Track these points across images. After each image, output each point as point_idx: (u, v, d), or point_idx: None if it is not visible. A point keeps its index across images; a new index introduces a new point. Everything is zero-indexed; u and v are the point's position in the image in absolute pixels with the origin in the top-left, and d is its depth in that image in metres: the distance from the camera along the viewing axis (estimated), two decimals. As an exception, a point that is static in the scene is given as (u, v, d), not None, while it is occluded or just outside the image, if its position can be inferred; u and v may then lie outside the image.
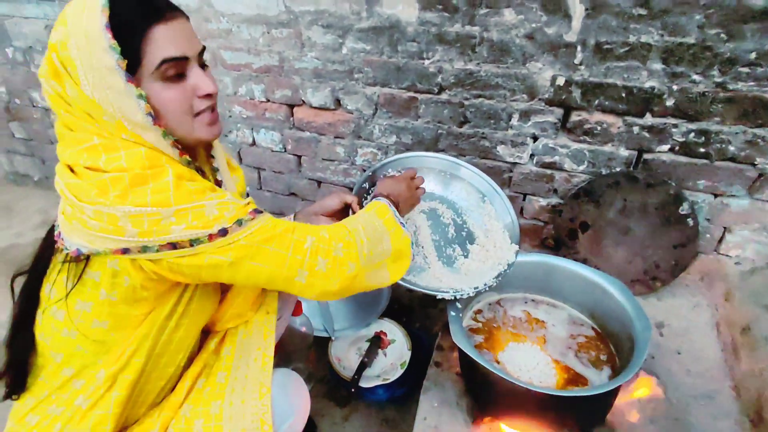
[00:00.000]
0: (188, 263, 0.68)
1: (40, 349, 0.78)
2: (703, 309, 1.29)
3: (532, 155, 1.36)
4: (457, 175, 1.25)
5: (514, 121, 1.32)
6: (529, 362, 1.02)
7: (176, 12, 0.69)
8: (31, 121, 2.26)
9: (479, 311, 1.17)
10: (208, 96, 0.73)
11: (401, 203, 0.99)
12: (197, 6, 1.53)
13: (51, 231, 0.78)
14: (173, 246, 0.66)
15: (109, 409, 0.78)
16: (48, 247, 0.77)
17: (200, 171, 0.81)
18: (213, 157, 0.87)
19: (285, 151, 1.72)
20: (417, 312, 1.66)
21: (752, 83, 1.06)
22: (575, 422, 0.94)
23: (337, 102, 1.52)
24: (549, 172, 1.37)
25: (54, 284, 0.72)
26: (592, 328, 1.10)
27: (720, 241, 1.29)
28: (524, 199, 1.45)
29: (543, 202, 1.43)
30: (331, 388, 1.44)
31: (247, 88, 1.63)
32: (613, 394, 0.94)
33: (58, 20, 0.65)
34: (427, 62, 1.33)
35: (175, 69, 0.69)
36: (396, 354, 1.38)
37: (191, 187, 0.69)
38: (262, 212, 0.74)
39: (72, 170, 0.69)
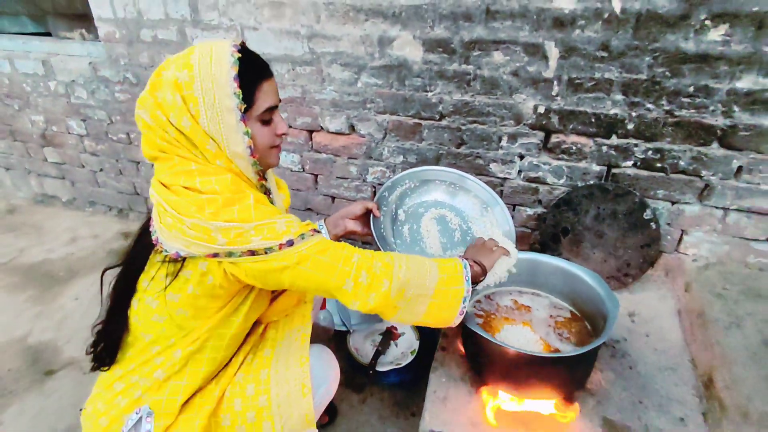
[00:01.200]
0: (260, 267, 0.85)
1: (132, 329, 0.96)
2: (668, 299, 1.51)
3: (519, 171, 1.60)
4: (464, 187, 1.45)
5: (504, 143, 1.57)
6: (521, 340, 1.22)
7: (271, 70, 0.91)
8: (65, 146, 2.48)
9: (478, 301, 1.37)
10: (284, 134, 0.96)
11: (488, 264, 1.12)
12: (231, 47, 1.78)
13: (141, 236, 0.96)
14: (252, 253, 0.83)
15: (182, 380, 0.96)
16: (142, 249, 0.94)
17: (266, 192, 1.02)
18: (266, 179, 1.03)
19: (303, 170, 1.95)
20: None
21: (693, 111, 1.31)
22: (559, 386, 1.14)
23: (351, 128, 1.76)
24: (534, 185, 1.61)
25: (152, 279, 0.90)
26: (571, 312, 1.31)
27: (679, 241, 1.53)
28: (514, 210, 1.68)
29: (530, 211, 1.66)
30: (349, 378, 1.62)
31: (272, 116, 1.87)
32: (590, 359, 1.14)
33: (182, 64, 0.82)
34: (429, 94, 1.58)
35: (270, 114, 0.90)
36: (406, 344, 1.58)
37: (266, 209, 0.87)
38: (319, 232, 0.91)
39: (167, 187, 0.86)
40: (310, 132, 1.84)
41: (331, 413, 1.48)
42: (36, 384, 1.65)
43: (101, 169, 2.46)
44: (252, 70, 0.85)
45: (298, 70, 1.72)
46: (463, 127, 1.59)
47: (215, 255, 0.84)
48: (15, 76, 2.33)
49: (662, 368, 1.29)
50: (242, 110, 0.84)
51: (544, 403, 1.17)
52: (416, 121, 1.65)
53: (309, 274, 0.87)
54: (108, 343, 0.98)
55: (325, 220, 1.28)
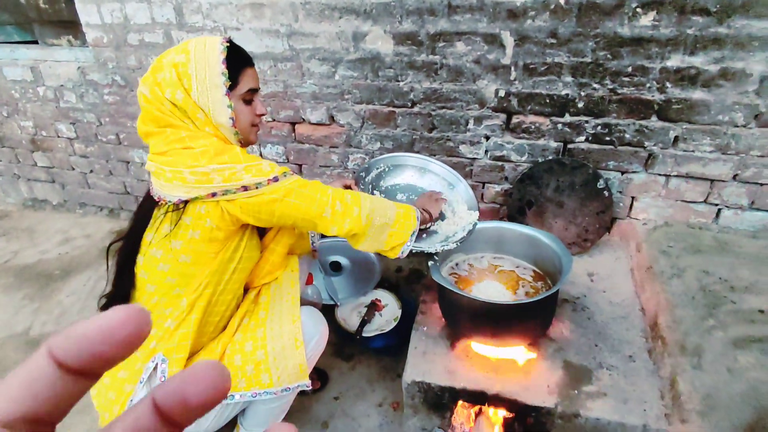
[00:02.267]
0: (254, 201, 1.01)
1: (138, 285, 1.09)
2: (622, 260, 1.67)
3: (486, 151, 1.76)
4: (430, 170, 1.61)
5: (471, 126, 1.72)
6: (491, 292, 1.37)
7: (253, 62, 1.09)
8: (55, 150, 2.56)
9: (455, 269, 1.52)
10: (262, 115, 1.12)
11: (433, 212, 1.32)
12: (215, 47, 1.90)
13: (143, 203, 1.11)
14: (245, 188, 0.99)
15: (189, 328, 1.09)
16: (145, 211, 1.08)
17: None
18: None
19: (288, 161, 2.08)
20: (403, 287, 2.00)
21: (633, 88, 1.48)
22: (524, 333, 1.29)
23: (331, 118, 1.90)
24: (500, 163, 1.76)
25: (156, 231, 1.04)
26: (534, 271, 1.47)
27: (630, 207, 1.70)
28: (483, 187, 1.84)
29: (497, 188, 1.82)
30: (338, 348, 1.75)
31: (256, 111, 2.00)
32: (550, 306, 1.29)
33: (180, 49, 0.99)
34: (401, 83, 1.73)
35: (251, 96, 1.07)
36: (389, 313, 1.71)
37: (251, 155, 1.03)
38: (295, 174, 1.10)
39: (163, 155, 1.02)
40: (293, 124, 1.97)
41: (322, 379, 1.61)
42: (40, 371, 1.73)
43: (91, 171, 2.55)
44: (237, 57, 1.03)
45: (279, 66, 1.85)
46: (434, 113, 1.74)
47: (213, 195, 0.98)
48: (3, 83, 2.40)
49: (616, 317, 1.45)
50: (228, 87, 1.00)
51: (511, 350, 1.32)
52: (390, 109, 1.79)
53: (295, 204, 1.05)
54: (118, 301, 1.10)
55: None
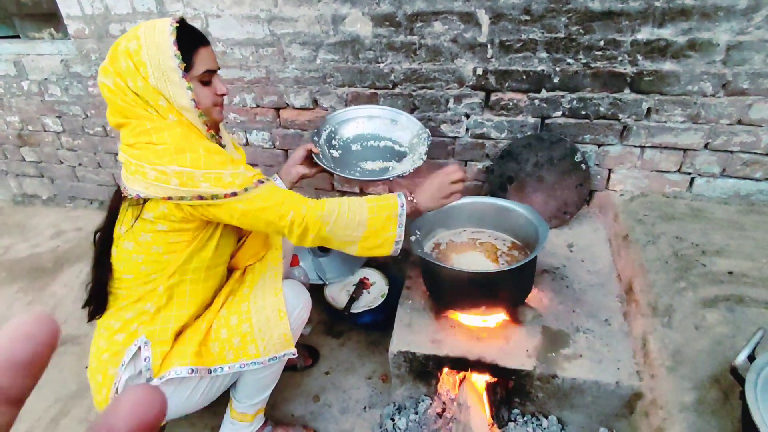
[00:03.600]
0: (211, 210, 1.02)
1: (116, 274, 1.11)
2: (601, 231, 1.72)
3: (467, 129, 1.79)
4: (374, 115, 1.70)
5: (451, 105, 1.75)
6: (472, 263, 1.42)
7: (208, 40, 1.08)
8: (42, 144, 2.57)
9: (437, 244, 1.56)
10: (223, 95, 1.11)
11: (424, 207, 1.20)
12: (197, 34, 1.92)
13: (115, 194, 1.11)
14: (201, 197, 0.99)
15: (171, 311, 1.11)
16: (114, 208, 1.10)
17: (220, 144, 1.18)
18: (220, 136, 1.20)
19: (274, 147, 2.10)
20: (391, 265, 2.04)
21: (606, 62, 1.52)
22: (503, 301, 1.34)
23: (315, 102, 1.92)
24: (480, 141, 1.80)
25: (123, 223, 1.06)
26: (512, 242, 1.51)
27: (608, 179, 1.74)
28: (466, 165, 1.88)
29: (479, 165, 1.86)
30: (328, 326, 1.80)
31: (240, 98, 2.02)
32: (528, 274, 1.34)
33: (131, 36, 0.99)
34: (382, 65, 1.75)
35: (209, 77, 1.06)
36: (377, 291, 1.76)
37: (216, 159, 1.01)
38: (263, 182, 1.05)
39: (131, 146, 1.02)
40: (277, 109, 2.00)
41: (313, 356, 1.66)
42: (37, 359, 1.77)
43: (80, 164, 2.56)
44: (189, 38, 1.02)
45: (261, 52, 1.87)
46: (414, 93, 1.77)
47: (169, 198, 0.98)
48: (-13, 78, 2.40)
49: (593, 285, 1.50)
50: (183, 69, 1.00)
51: (492, 318, 1.37)
52: (372, 91, 1.82)
53: (252, 222, 1.05)
54: (96, 290, 1.13)
55: (278, 173, 1.43)
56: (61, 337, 1.82)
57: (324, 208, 1.09)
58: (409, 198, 1.19)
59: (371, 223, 1.11)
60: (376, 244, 1.13)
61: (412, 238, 1.40)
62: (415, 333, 1.38)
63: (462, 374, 1.35)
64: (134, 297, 1.10)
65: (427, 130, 1.55)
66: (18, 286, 2.20)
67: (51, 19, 2.26)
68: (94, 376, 1.12)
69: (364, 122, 1.69)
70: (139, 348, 1.08)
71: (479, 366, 1.29)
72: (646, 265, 1.39)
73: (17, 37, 2.42)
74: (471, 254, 1.48)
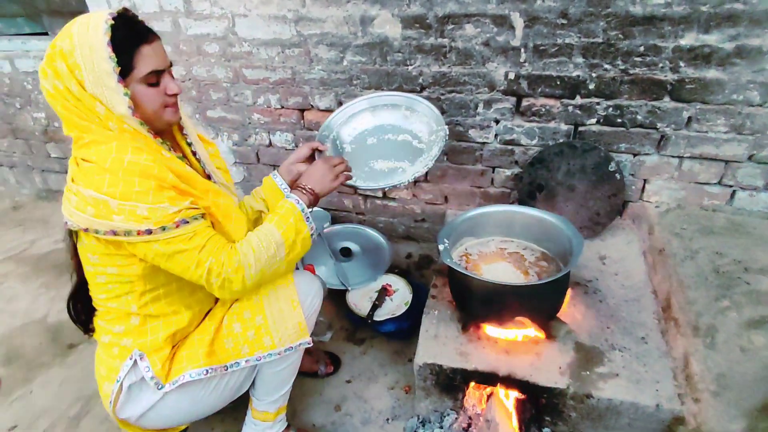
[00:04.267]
0: (128, 248, 0.93)
1: (91, 293, 1.07)
2: (634, 243, 1.66)
3: (496, 135, 1.75)
4: (383, 104, 1.56)
5: (480, 109, 1.71)
6: (502, 274, 1.37)
7: (154, 35, 0.94)
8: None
9: (467, 254, 1.51)
10: (174, 95, 0.99)
11: (320, 190, 1.18)
12: (223, 34, 1.90)
13: None
14: (114, 233, 0.88)
15: (157, 321, 1.06)
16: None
17: (178, 147, 1.09)
18: (186, 134, 1.11)
19: (297, 148, 2.08)
20: (414, 272, 2.01)
21: (645, 68, 1.46)
22: (535, 315, 1.29)
23: (340, 104, 1.89)
24: (510, 147, 1.75)
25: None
26: (544, 253, 1.46)
27: (642, 190, 1.68)
28: (493, 172, 1.83)
29: (508, 172, 1.81)
30: (350, 333, 1.77)
31: (265, 98, 2.00)
32: (561, 288, 1.29)
33: (62, 35, 0.88)
34: (410, 68, 1.72)
35: (156, 77, 0.94)
36: (400, 298, 1.72)
37: (137, 187, 0.87)
38: (188, 222, 0.92)
39: (74, 163, 0.94)
40: (302, 111, 1.97)
41: (335, 363, 1.63)
42: (59, 357, 1.77)
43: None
44: (128, 36, 0.89)
45: (287, 53, 1.85)
46: (443, 97, 1.73)
47: (86, 229, 0.89)
48: (15, 75, 2.43)
49: (628, 300, 1.44)
50: (118, 73, 0.88)
51: (522, 332, 1.32)
52: (399, 94, 1.78)
53: (168, 266, 0.95)
54: (77, 310, 1.12)
55: (277, 169, 1.34)
56: (82, 334, 1.82)
57: (239, 252, 1.00)
58: (303, 187, 1.17)
59: (286, 236, 1.06)
60: (297, 250, 1.09)
61: (441, 247, 1.36)
62: (441, 345, 1.34)
63: (490, 389, 1.31)
64: (115, 314, 1.05)
65: (446, 127, 1.42)
66: (41, 281, 2.21)
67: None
68: (101, 384, 1.11)
69: (370, 115, 1.57)
70: (135, 361, 1.04)
71: (509, 381, 1.25)
72: (684, 282, 1.34)
73: (46, 34, 2.45)
74: (500, 265, 1.43)
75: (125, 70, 0.89)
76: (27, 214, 2.79)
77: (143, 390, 1.07)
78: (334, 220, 2.20)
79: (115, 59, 0.87)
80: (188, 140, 1.12)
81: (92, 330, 1.13)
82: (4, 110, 2.61)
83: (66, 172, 0.99)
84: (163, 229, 0.90)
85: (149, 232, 0.89)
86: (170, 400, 1.07)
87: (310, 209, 1.16)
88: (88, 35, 0.86)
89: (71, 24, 0.89)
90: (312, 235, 1.13)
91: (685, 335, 1.23)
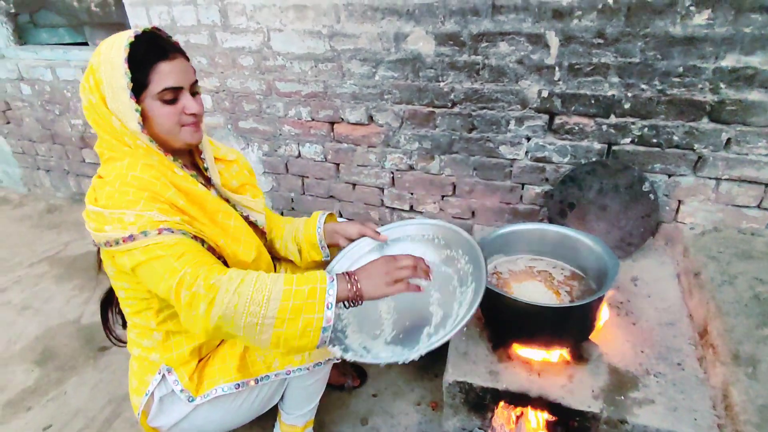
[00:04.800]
0: (117, 262, 0.90)
1: (120, 307, 1.10)
2: (668, 265, 1.63)
3: (527, 152, 1.74)
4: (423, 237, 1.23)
5: (512, 126, 1.71)
6: (533, 295, 1.36)
7: (177, 53, 0.94)
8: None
9: (498, 272, 1.50)
10: (193, 114, 0.96)
11: (366, 290, 0.90)
12: (258, 47, 1.95)
13: None
14: (108, 244, 0.86)
15: (180, 336, 1.07)
16: None
17: (195, 166, 1.09)
18: (204, 159, 1.08)
19: (326, 160, 2.11)
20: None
21: (683, 89, 1.44)
22: (568, 336, 1.28)
23: (370, 118, 1.92)
24: (541, 164, 1.74)
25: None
26: (576, 273, 1.44)
27: (677, 211, 1.65)
28: (523, 188, 1.82)
29: (538, 189, 1.80)
30: (375, 345, 1.77)
31: (296, 111, 2.04)
32: (595, 309, 1.27)
33: (96, 51, 0.91)
34: (442, 84, 1.73)
35: (172, 95, 0.93)
36: (427, 313, 1.71)
37: (129, 197, 0.86)
38: (173, 232, 0.87)
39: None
40: (332, 124, 2.00)
41: (361, 377, 1.63)
42: (92, 359, 1.82)
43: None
44: (146, 53, 0.90)
45: (320, 67, 1.88)
46: (474, 113, 1.74)
47: (96, 244, 0.91)
48: (56, 83, 2.52)
49: (662, 324, 1.42)
50: (131, 89, 0.88)
51: (554, 352, 1.31)
52: (430, 109, 1.79)
53: (144, 277, 0.88)
54: (106, 322, 1.16)
55: (326, 221, 1.24)
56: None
57: (225, 271, 0.87)
58: (351, 278, 0.90)
59: (286, 296, 0.83)
60: (296, 330, 0.83)
61: (472, 265, 1.36)
62: (471, 363, 1.33)
63: (520, 410, 1.30)
64: (139, 329, 1.07)
65: (487, 277, 1.01)
66: (74, 283, 2.28)
67: (118, 28, 2.34)
68: (131, 395, 1.13)
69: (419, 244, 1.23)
70: (164, 375, 1.06)
71: (540, 403, 1.23)
72: (722, 308, 1.30)
73: (86, 44, 2.54)
74: (531, 284, 1.42)
75: (140, 87, 0.90)
76: (62, 217, 2.89)
77: (175, 402, 1.08)
78: (360, 232, 2.22)
79: (129, 75, 0.87)
80: (204, 165, 1.08)
81: (124, 342, 1.16)
82: (43, 116, 2.71)
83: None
84: (145, 234, 0.84)
85: (132, 238, 0.84)
86: (201, 412, 1.09)
87: (348, 307, 0.92)
88: (110, 52, 0.89)
89: (104, 41, 0.93)
90: (324, 332, 0.85)
91: (725, 363, 1.20)
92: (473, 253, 1.10)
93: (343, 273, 0.92)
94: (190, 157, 1.10)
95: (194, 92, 0.98)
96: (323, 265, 1.26)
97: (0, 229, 2.80)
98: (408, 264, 0.93)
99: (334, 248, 1.23)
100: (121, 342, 1.20)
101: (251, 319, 0.82)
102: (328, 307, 0.85)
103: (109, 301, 1.20)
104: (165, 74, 0.91)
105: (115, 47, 0.88)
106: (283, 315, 0.83)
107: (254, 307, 0.82)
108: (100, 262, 1.03)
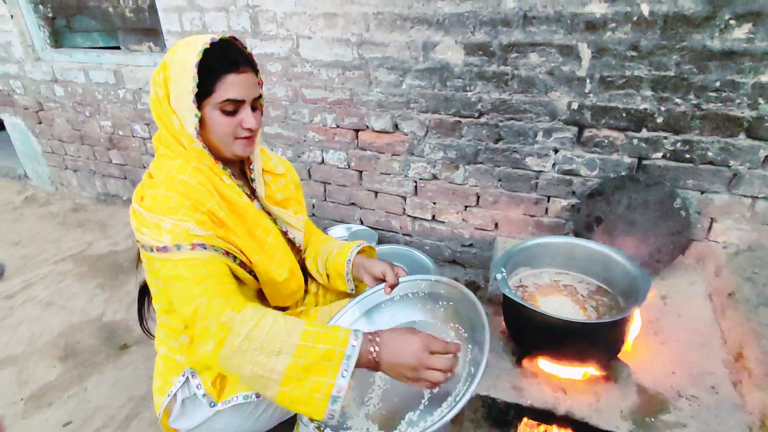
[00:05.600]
0: (151, 265, 0.90)
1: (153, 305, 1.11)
2: (698, 284, 1.58)
3: (554, 164, 1.72)
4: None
5: (539, 138, 1.69)
6: (559, 310, 1.33)
7: (248, 67, 0.94)
8: (129, 149, 2.72)
9: (523, 286, 1.47)
10: (249, 129, 0.97)
11: (385, 366, 0.80)
12: (287, 54, 1.97)
13: None
14: (144, 247, 0.88)
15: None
16: None
17: (243, 175, 1.10)
18: (252, 170, 1.09)
19: (349, 167, 2.11)
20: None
21: (720, 104, 1.41)
22: (596, 353, 1.24)
23: (395, 126, 1.92)
24: (568, 177, 1.72)
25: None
26: (604, 289, 1.41)
27: (709, 229, 1.61)
28: (548, 201, 1.80)
29: (564, 202, 1.77)
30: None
31: (321, 117, 2.05)
32: (624, 327, 1.24)
33: (172, 48, 0.93)
34: (469, 93, 1.72)
35: (233, 106, 0.94)
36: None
37: (171, 203, 0.86)
38: (206, 248, 0.86)
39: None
40: (356, 131, 2.01)
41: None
42: (112, 357, 1.83)
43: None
44: (217, 62, 0.91)
45: (347, 75, 1.89)
46: (501, 124, 1.72)
47: (137, 242, 0.91)
48: (88, 85, 2.59)
49: (694, 345, 1.37)
50: (195, 94, 0.90)
51: (581, 370, 1.27)
52: (456, 119, 1.79)
53: (170, 294, 0.87)
54: (141, 310, 1.17)
55: (354, 256, 1.16)
56: (134, 337, 1.86)
57: (242, 307, 0.82)
58: (372, 343, 0.81)
59: (299, 353, 0.76)
60: (303, 393, 0.76)
61: (498, 276, 1.33)
62: (494, 377, 1.30)
63: (543, 427, 1.26)
64: (167, 328, 1.07)
65: (488, 352, 0.83)
66: (97, 281, 2.31)
67: (151, 33, 2.41)
68: (154, 394, 1.13)
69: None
70: (187, 378, 1.06)
71: (565, 421, 1.20)
72: (759, 330, 1.26)
73: (118, 48, 2.61)
74: (558, 298, 1.39)
75: (204, 93, 0.91)
76: (87, 216, 2.94)
77: (196, 405, 1.08)
78: (381, 240, 2.21)
79: (197, 80, 0.89)
80: (252, 175, 1.09)
81: (153, 335, 1.17)
82: (74, 117, 2.78)
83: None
84: (178, 248, 0.84)
85: (165, 249, 0.84)
86: (222, 418, 1.08)
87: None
88: (185, 53, 0.90)
89: (182, 40, 0.94)
90: (333, 402, 0.75)
91: (762, 389, 1.15)
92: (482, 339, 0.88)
93: (367, 336, 0.81)
94: (240, 166, 1.10)
95: (255, 107, 0.99)
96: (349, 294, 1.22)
97: (27, 226, 2.86)
98: (444, 367, 0.79)
99: (360, 282, 1.17)
100: (151, 334, 1.20)
101: (257, 370, 0.77)
102: (342, 375, 0.75)
103: (147, 291, 1.21)
104: (230, 86, 0.91)
105: (189, 50, 0.90)
106: (292, 373, 0.76)
107: (263, 357, 0.77)
108: (138, 256, 1.04)
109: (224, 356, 0.80)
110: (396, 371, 0.80)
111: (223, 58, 0.92)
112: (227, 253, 0.93)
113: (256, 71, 0.97)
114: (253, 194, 1.10)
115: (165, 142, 0.97)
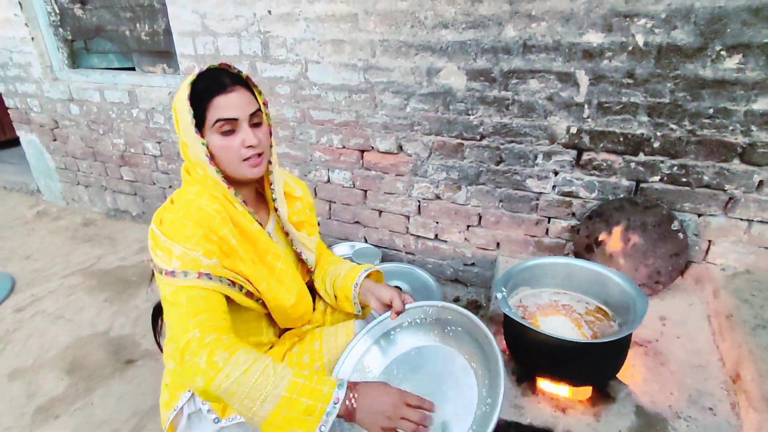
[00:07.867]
0: (159, 285, 0.93)
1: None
2: (697, 306, 1.60)
3: (554, 186, 1.76)
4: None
5: (539, 160, 1.74)
6: (559, 330, 1.35)
7: (237, 85, 0.96)
8: (140, 166, 2.79)
9: (523, 306, 1.50)
10: (251, 147, 0.97)
11: (359, 417, 0.84)
12: (295, 77, 2.05)
13: None
14: (155, 267, 0.92)
15: None
16: None
17: (260, 196, 1.14)
18: (274, 190, 1.10)
19: (354, 186, 2.16)
20: (462, 316, 2.00)
21: (714, 130, 1.46)
22: (595, 373, 1.26)
23: (400, 147, 1.97)
24: (568, 199, 1.76)
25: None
26: (603, 309, 1.43)
27: (707, 251, 1.63)
28: (549, 222, 1.83)
29: (564, 223, 1.81)
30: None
31: (328, 138, 2.11)
32: (624, 347, 1.26)
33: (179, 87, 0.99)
34: (471, 117, 1.78)
35: (228, 126, 0.95)
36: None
37: (186, 231, 0.91)
38: (211, 279, 0.91)
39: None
40: (362, 152, 2.07)
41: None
42: (118, 371, 1.86)
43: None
44: (203, 90, 0.94)
45: (353, 98, 1.96)
46: (502, 146, 1.77)
47: (150, 260, 0.94)
48: (103, 104, 2.68)
49: (692, 366, 1.39)
50: (194, 125, 0.94)
51: (580, 390, 1.29)
52: (459, 141, 1.84)
53: (168, 315, 0.90)
54: (155, 326, 1.21)
55: (362, 279, 1.17)
56: (140, 351, 1.89)
57: (232, 352, 0.84)
58: (350, 394, 0.86)
59: (283, 404, 0.81)
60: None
61: (498, 296, 1.36)
62: (494, 395, 1.32)
63: (543, 447, 1.27)
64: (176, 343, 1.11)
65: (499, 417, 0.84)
66: (105, 295, 2.35)
67: (165, 55, 2.50)
68: (161, 407, 1.15)
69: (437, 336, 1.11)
70: (193, 393, 1.08)
71: (564, 441, 1.21)
72: (756, 352, 1.27)
73: (133, 69, 2.70)
74: (558, 319, 1.42)
75: (200, 122, 0.95)
76: (96, 231, 3.00)
77: (202, 421, 1.09)
78: (384, 259, 2.25)
79: (192, 111, 0.93)
80: (274, 196, 1.11)
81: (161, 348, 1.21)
82: (88, 135, 2.86)
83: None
84: (185, 274, 0.88)
85: (173, 273, 0.88)
86: None
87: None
88: (181, 90, 0.96)
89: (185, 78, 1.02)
90: None
91: (760, 411, 1.16)
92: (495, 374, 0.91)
93: (349, 384, 0.87)
94: (257, 188, 1.14)
95: (258, 123, 1.00)
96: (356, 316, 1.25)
97: (39, 239, 2.92)
98: (417, 419, 0.85)
99: (367, 306, 1.20)
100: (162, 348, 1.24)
101: (242, 410, 0.83)
102: (320, 430, 0.81)
103: (161, 307, 1.24)
104: (218, 107, 0.94)
105: (183, 86, 0.95)
106: (273, 420, 0.81)
107: (248, 402, 0.82)
108: (153, 273, 1.08)
109: (212, 393, 0.84)
110: (371, 419, 0.84)
111: (210, 84, 0.95)
112: (233, 284, 0.97)
113: (250, 89, 1.00)
114: (267, 217, 1.15)
115: (188, 171, 1.03)
